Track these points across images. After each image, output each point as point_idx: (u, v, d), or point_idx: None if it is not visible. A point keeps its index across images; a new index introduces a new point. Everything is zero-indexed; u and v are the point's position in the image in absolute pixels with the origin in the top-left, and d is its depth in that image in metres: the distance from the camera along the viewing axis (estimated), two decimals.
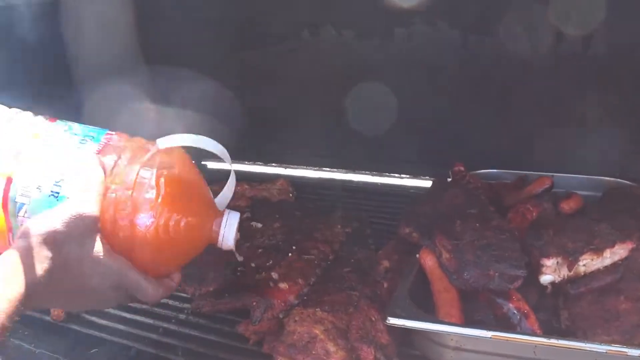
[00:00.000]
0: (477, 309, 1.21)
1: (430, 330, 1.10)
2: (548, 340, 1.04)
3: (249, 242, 1.52)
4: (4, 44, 1.89)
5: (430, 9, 1.65)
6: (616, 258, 1.21)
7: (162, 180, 0.96)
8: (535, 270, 1.21)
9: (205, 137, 1.04)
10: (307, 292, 1.30)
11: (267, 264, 1.37)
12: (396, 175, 2.07)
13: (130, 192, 0.94)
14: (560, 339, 1.04)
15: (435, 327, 1.10)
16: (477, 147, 1.83)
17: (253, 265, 1.39)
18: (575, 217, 1.39)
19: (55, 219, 0.86)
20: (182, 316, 1.40)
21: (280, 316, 1.23)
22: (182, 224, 0.96)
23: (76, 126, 1.01)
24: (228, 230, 1.01)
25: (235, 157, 2.30)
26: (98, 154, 0.97)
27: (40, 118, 1.01)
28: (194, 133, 1.04)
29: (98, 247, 0.88)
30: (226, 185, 1.08)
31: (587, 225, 1.27)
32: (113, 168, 0.96)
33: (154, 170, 0.96)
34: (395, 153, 1.95)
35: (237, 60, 2.05)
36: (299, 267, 1.33)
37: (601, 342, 1.05)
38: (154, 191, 0.94)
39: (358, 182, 2.12)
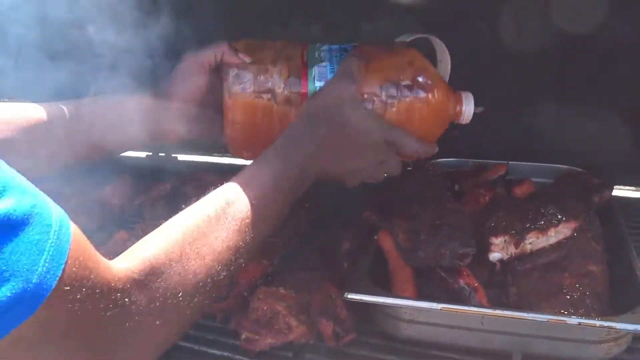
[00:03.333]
0: (431, 287, 1.28)
1: (385, 303, 1.17)
2: (494, 311, 1.12)
3: None
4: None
5: (396, 6, 1.72)
6: (561, 237, 1.29)
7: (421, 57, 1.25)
8: (486, 249, 1.28)
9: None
10: (270, 272, 1.36)
11: None
12: None
13: (399, 70, 1.20)
14: (505, 310, 1.12)
15: (390, 301, 1.17)
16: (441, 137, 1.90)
17: None
18: (526, 201, 1.46)
19: (327, 95, 1.14)
20: None
21: (245, 294, 1.29)
22: (442, 97, 1.22)
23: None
24: (468, 107, 1.26)
25: (205, 149, 2.37)
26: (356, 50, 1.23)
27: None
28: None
29: (364, 111, 1.15)
30: (441, 63, 1.34)
31: (536, 208, 1.35)
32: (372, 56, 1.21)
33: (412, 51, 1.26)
34: None
35: None
36: (263, 249, 1.39)
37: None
38: (418, 68, 1.22)
39: None
